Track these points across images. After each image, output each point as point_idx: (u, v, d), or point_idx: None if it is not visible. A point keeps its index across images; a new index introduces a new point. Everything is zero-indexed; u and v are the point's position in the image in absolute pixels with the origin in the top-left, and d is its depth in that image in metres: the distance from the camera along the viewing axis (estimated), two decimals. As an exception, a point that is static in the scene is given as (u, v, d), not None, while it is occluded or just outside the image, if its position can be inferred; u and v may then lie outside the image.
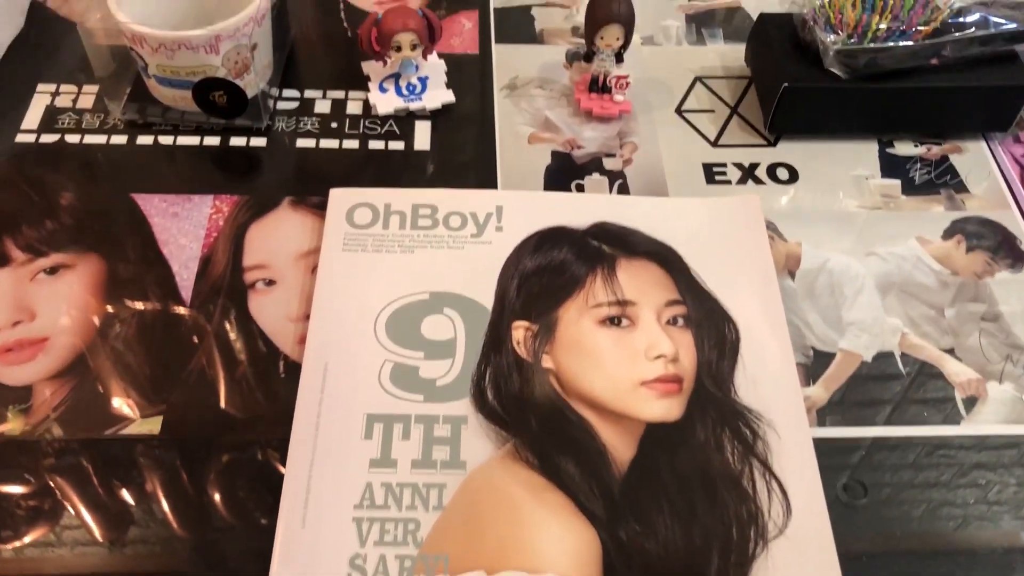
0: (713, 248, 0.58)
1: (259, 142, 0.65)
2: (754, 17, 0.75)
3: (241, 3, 0.62)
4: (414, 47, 0.65)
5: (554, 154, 0.65)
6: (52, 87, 0.67)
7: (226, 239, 0.59)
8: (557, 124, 0.67)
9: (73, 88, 0.67)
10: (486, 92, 0.69)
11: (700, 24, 0.75)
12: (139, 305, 0.56)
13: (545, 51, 0.72)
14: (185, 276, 0.57)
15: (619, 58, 0.66)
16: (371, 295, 0.55)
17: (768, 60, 0.66)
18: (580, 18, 0.74)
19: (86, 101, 0.67)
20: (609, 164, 0.65)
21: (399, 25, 0.63)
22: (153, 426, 0.51)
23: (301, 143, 0.65)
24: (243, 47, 0.62)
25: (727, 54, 0.72)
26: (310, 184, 0.63)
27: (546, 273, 0.56)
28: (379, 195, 0.60)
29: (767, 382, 0.52)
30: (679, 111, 0.69)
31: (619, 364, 0.52)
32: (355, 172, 0.64)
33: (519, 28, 0.74)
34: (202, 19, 0.62)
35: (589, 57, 0.66)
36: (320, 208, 0.60)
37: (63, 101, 0.67)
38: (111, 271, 0.57)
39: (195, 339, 0.54)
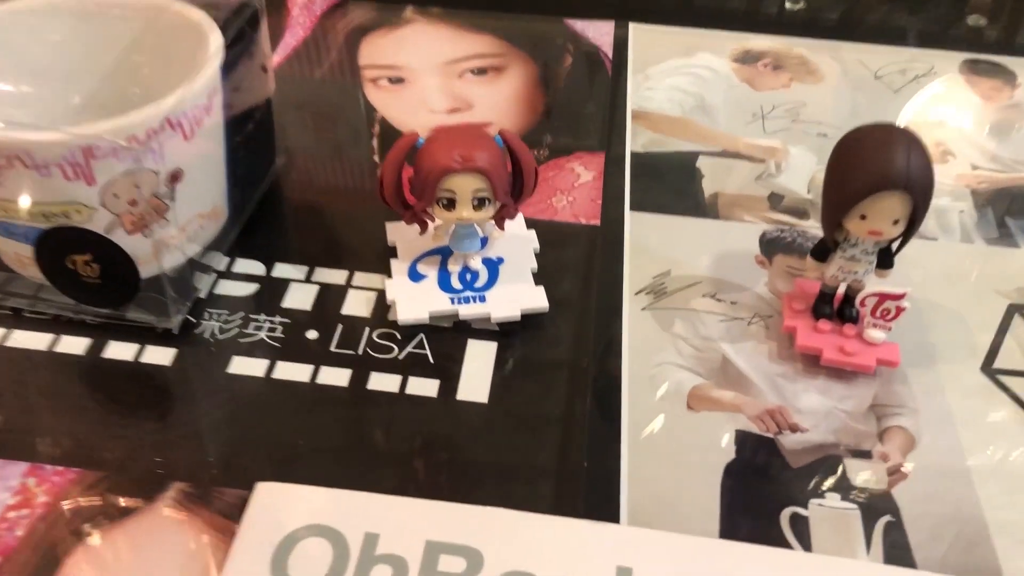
0: None
1: (160, 357, 0.33)
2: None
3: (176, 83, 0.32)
4: (480, 202, 0.33)
5: (741, 438, 0.32)
6: None
7: (29, 570, 0.27)
8: (747, 374, 0.34)
9: None
10: (609, 298, 0.36)
11: (1002, 210, 0.42)
12: None
13: (722, 231, 0.40)
14: None
15: (884, 260, 0.33)
16: None
17: None
18: (784, 179, 0.42)
19: None
20: (859, 474, 0.31)
21: (454, 160, 0.32)
22: None
23: (239, 366, 0.33)
24: (146, 175, 0.31)
25: (1066, 267, 0.39)
26: (231, 463, 0.30)
27: None
28: (356, 506, 0.28)
29: None
30: (989, 370, 0.35)
31: None
32: (325, 443, 0.31)
33: (673, 189, 0.42)
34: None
35: (822, 252, 0.33)
36: (232, 517, 0.28)
37: None
38: None
39: None
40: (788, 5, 0.55)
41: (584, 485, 0.30)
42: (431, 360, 0.34)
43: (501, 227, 0.35)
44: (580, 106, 0.47)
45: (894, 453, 0.32)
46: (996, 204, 0.42)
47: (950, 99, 0.49)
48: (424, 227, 0.35)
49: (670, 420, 0.32)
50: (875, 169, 0.30)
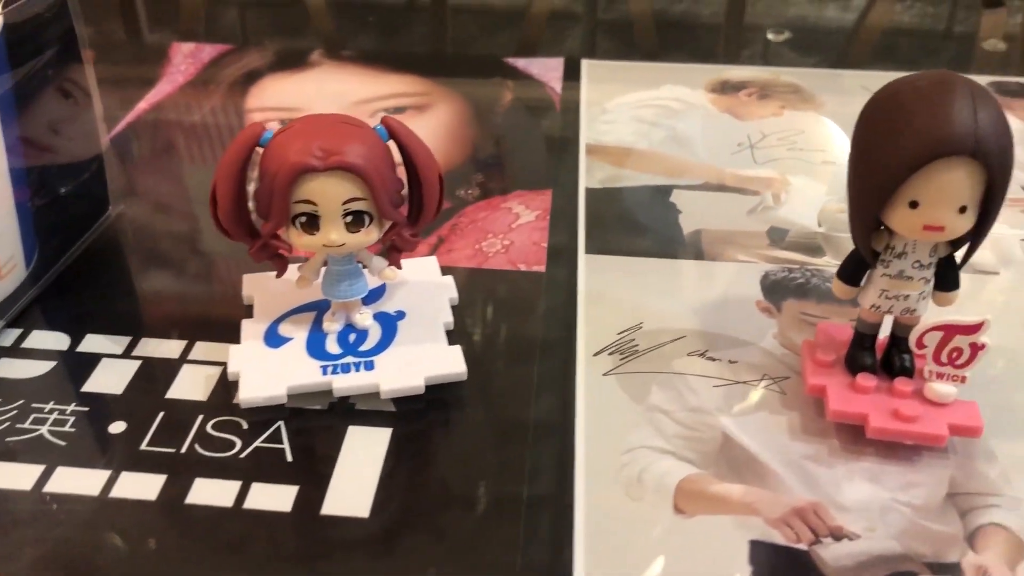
0: None
1: None
2: None
3: None
4: (356, 219, 0.23)
5: (759, 552, 0.21)
6: None
7: None
8: (760, 458, 0.23)
9: None
10: (557, 362, 0.26)
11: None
12: None
13: (710, 274, 0.30)
14: None
15: (947, 277, 0.22)
16: None
17: None
18: (787, 212, 0.33)
19: None
20: (955, 606, 0.20)
21: (312, 154, 0.22)
22: None
23: None
24: None
25: None
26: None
27: None
28: None
29: None
30: (1115, 439, 0.24)
31: None
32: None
33: (642, 227, 0.32)
34: None
35: (855, 270, 0.23)
36: None
37: None
38: None
39: None
40: (771, 37, 0.46)
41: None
42: (289, 457, 0.23)
43: (397, 264, 0.25)
44: (523, 142, 0.37)
45: (996, 565, 0.20)
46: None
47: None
48: (281, 267, 0.25)
49: (651, 530, 0.21)
50: (928, 127, 0.20)
